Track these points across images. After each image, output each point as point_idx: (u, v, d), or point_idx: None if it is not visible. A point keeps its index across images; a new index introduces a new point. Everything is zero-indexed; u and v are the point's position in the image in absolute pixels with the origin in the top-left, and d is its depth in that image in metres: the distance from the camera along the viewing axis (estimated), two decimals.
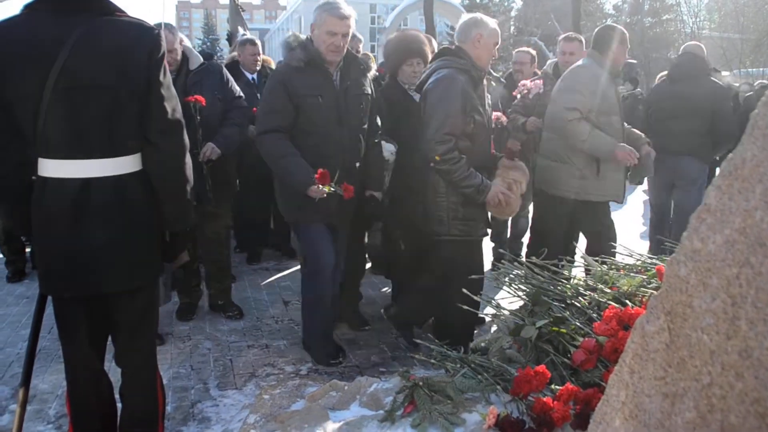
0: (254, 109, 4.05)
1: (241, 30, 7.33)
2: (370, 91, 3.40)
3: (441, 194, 3.14)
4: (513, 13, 37.75)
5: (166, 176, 2.06)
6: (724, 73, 9.60)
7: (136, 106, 1.94)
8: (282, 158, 3.12)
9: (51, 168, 1.92)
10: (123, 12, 1.99)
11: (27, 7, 1.90)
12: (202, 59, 3.83)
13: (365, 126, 3.38)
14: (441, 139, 3.02)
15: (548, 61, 4.97)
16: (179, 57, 3.68)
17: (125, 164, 1.97)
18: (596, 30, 3.96)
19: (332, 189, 3.06)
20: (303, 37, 3.26)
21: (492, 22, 3.24)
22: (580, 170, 3.76)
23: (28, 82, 1.83)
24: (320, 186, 3.04)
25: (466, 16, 3.30)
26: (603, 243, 3.59)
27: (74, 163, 1.91)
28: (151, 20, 2.17)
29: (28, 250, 5.14)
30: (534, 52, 5.14)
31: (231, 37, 7.77)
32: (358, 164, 3.34)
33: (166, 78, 2.00)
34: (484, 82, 3.31)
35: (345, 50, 3.21)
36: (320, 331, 3.51)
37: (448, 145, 3.02)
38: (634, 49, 28.42)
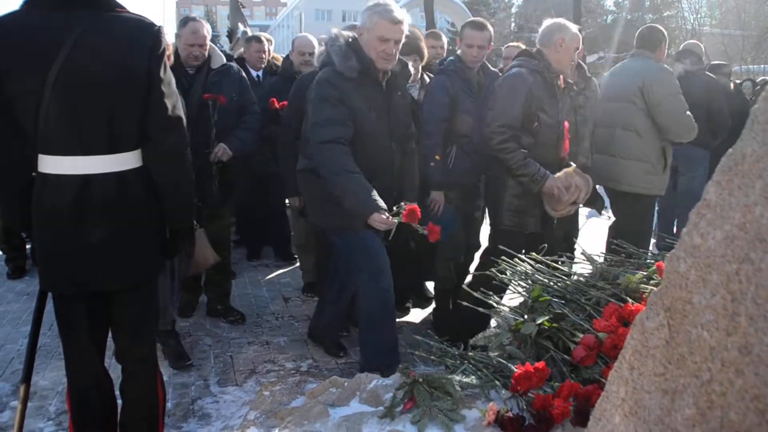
0: (278, 105, 4.11)
1: (241, 26, 7.33)
2: (410, 99, 3.33)
3: (501, 185, 3.41)
4: (513, 10, 37.70)
5: (167, 173, 2.05)
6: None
7: (136, 102, 1.94)
8: (343, 174, 2.79)
9: (51, 164, 1.91)
10: (123, 8, 1.98)
11: (27, 3, 1.90)
12: (224, 59, 3.83)
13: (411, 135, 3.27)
14: (496, 130, 3.25)
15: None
16: (207, 53, 3.65)
17: (126, 161, 1.97)
18: (644, 30, 4.09)
19: (399, 220, 2.71)
20: (348, 35, 2.96)
21: (573, 27, 3.43)
22: (653, 165, 3.90)
23: (28, 78, 1.83)
24: (390, 217, 2.71)
25: (549, 21, 3.49)
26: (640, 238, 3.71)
27: (74, 160, 1.91)
28: (152, 16, 2.16)
29: (28, 246, 5.15)
30: (523, 47, 5.10)
31: (231, 34, 7.77)
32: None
33: (167, 74, 2.00)
34: (560, 85, 3.41)
35: (396, 58, 2.95)
36: (391, 339, 3.10)
37: (503, 136, 3.24)
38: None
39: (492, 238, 3.55)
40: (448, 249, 3.69)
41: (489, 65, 3.83)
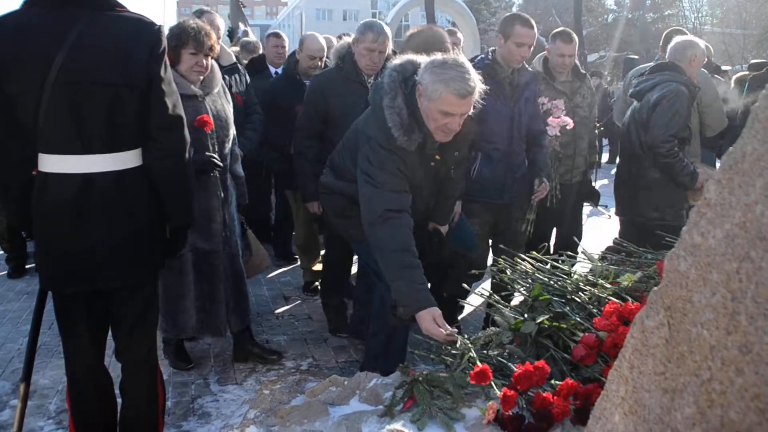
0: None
1: (242, 26, 7.33)
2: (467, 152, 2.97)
3: (661, 186, 3.79)
4: (514, 9, 37.68)
5: (167, 171, 2.06)
6: (724, 67, 9.59)
7: (136, 101, 1.94)
8: (402, 265, 2.41)
9: (51, 163, 1.91)
10: (123, 7, 1.98)
11: (27, 2, 1.90)
12: (234, 58, 3.84)
13: None
14: (666, 140, 3.65)
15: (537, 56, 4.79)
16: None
17: (126, 159, 1.97)
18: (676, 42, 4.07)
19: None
20: (403, 75, 2.49)
21: (701, 43, 3.88)
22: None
23: (28, 77, 1.83)
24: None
25: (680, 38, 3.91)
26: None
27: (75, 159, 1.91)
28: (152, 15, 2.17)
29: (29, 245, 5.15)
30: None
31: (232, 33, 7.77)
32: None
33: (167, 73, 2.00)
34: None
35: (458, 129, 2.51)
36: (399, 353, 2.89)
37: (671, 143, 3.65)
38: (635, 45, 28.33)
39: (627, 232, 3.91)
40: (463, 268, 3.17)
41: (527, 66, 3.60)
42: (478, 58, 3.53)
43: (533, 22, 3.44)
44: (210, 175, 3.01)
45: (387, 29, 3.43)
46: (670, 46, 3.97)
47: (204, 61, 2.91)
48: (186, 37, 2.85)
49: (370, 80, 3.45)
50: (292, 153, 3.78)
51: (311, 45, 4.27)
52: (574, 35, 3.96)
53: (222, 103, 3.12)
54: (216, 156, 2.99)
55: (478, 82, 2.38)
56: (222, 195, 3.11)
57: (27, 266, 5.08)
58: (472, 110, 2.46)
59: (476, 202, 3.39)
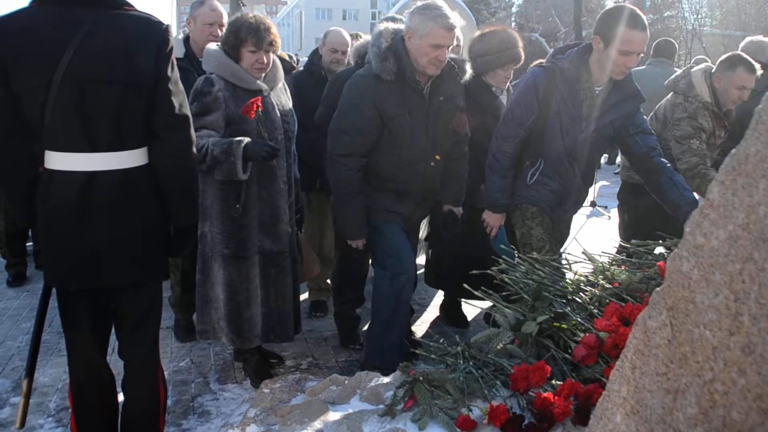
0: None
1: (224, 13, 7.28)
2: (462, 103, 3.09)
3: None
4: (514, 9, 37.70)
5: (173, 171, 2.06)
6: None
7: (143, 100, 1.94)
8: (349, 196, 2.93)
9: (57, 161, 1.92)
10: (131, 6, 1.99)
11: (34, 0, 1.90)
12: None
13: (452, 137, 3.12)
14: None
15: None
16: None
17: (132, 158, 1.98)
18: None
19: None
20: (392, 33, 2.87)
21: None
22: None
23: (35, 75, 1.83)
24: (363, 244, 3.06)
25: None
26: None
27: (81, 157, 1.91)
28: (158, 15, 2.16)
29: (29, 244, 5.12)
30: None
31: None
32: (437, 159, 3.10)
33: (174, 73, 2.01)
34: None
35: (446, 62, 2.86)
36: (397, 341, 3.10)
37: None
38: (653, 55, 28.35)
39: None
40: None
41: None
42: (559, 56, 2.97)
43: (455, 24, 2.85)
44: (277, 171, 2.88)
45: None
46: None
47: (264, 58, 2.80)
48: (245, 34, 2.74)
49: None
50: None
51: (332, 38, 4.18)
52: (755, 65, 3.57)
53: (286, 98, 3.04)
54: (271, 142, 2.77)
55: (458, 18, 2.83)
56: (290, 196, 3.01)
57: (27, 274, 4.92)
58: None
59: (536, 218, 3.05)
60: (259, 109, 2.67)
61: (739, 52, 3.82)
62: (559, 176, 2.99)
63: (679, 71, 4.02)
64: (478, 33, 3.56)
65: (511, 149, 2.96)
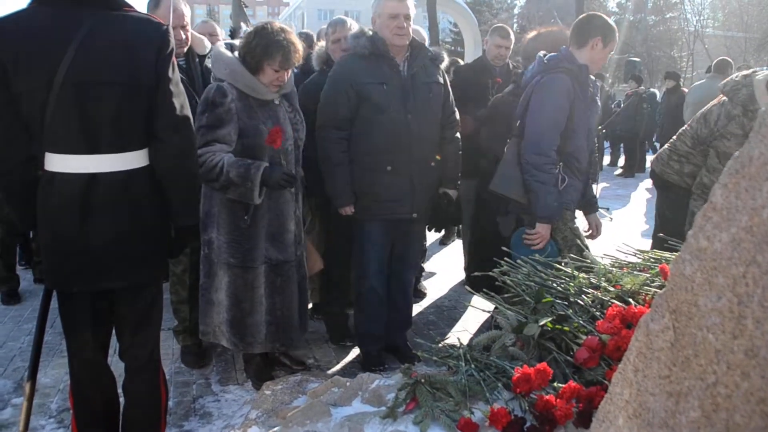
0: None
1: (243, 26, 7.32)
2: (442, 81, 3.28)
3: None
4: (516, 11, 37.70)
5: (174, 172, 2.05)
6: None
7: (144, 101, 1.94)
8: (334, 166, 3.13)
9: (58, 163, 1.91)
10: (131, 7, 1.98)
11: (35, 1, 1.90)
12: (207, 47, 3.51)
13: (439, 117, 3.26)
14: None
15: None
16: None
17: (132, 160, 1.97)
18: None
19: None
20: (368, 31, 3.19)
21: None
22: None
23: (35, 77, 1.83)
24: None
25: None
26: None
27: (81, 158, 1.91)
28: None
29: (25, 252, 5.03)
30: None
31: (233, 33, 7.77)
32: (436, 159, 3.26)
33: (175, 74, 2.00)
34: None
35: (411, 35, 3.13)
36: (372, 332, 3.38)
37: None
38: (637, 47, 28.32)
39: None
40: None
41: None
42: (559, 57, 3.04)
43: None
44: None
45: (344, 18, 3.56)
46: None
47: (285, 76, 2.77)
48: (275, 52, 2.67)
49: None
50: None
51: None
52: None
53: (296, 102, 3.02)
54: (290, 171, 2.82)
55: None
56: (297, 201, 3.00)
57: (20, 292, 4.57)
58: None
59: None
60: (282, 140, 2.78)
61: None
62: (581, 174, 3.13)
63: (737, 76, 3.63)
64: (533, 33, 3.54)
65: (554, 156, 2.96)
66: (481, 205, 3.94)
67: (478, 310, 3.94)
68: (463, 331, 3.91)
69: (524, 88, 3.15)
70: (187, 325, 3.36)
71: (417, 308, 4.31)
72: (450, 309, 4.39)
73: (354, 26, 3.47)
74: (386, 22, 3.05)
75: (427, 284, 4.82)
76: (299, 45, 2.76)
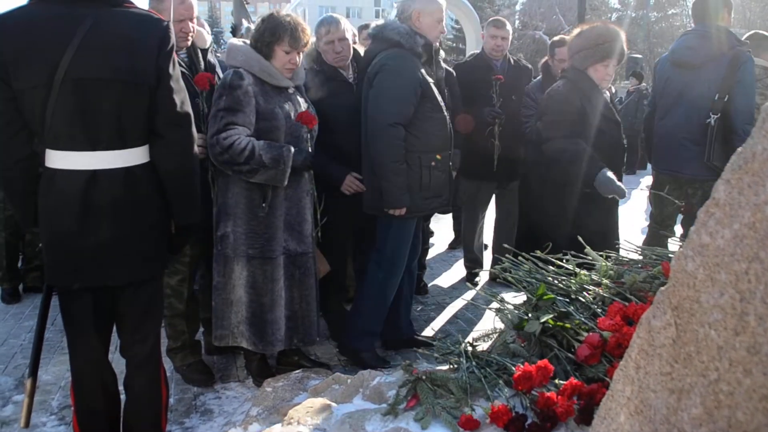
0: None
1: (245, 23, 7.32)
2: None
3: None
4: (518, 7, 37.59)
5: (174, 169, 2.05)
6: None
7: (144, 98, 1.93)
8: (400, 165, 3.05)
9: (58, 159, 1.91)
10: (131, 3, 1.98)
11: None
12: (209, 41, 3.41)
13: None
14: None
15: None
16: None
17: (133, 156, 1.97)
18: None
19: None
20: (395, 20, 3.27)
21: None
22: None
23: (36, 73, 1.83)
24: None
25: None
26: None
27: (82, 155, 1.90)
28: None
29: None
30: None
31: (235, 30, 7.76)
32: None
33: (176, 70, 2.00)
34: None
35: None
36: (371, 334, 3.36)
37: None
38: (639, 44, 28.27)
39: None
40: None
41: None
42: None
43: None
44: (302, 173, 2.91)
45: (338, 17, 3.43)
46: None
47: (297, 58, 2.82)
48: (282, 33, 2.74)
49: (349, 75, 3.45)
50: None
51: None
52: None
53: (305, 97, 3.04)
54: (311, 153, 2.90)
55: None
56: (313, 192, 3.01)
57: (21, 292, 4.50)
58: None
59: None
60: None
61: None
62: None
63: None
64: (578, 29, 3.49)
65: None
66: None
67: (480, 306, 3.95)
68: (464, 329, 3.91)
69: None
70: (186, 339, 3.16)
71: (418, 305, 4.31)
72: (451, 306, 4.38)
73: (348, 27, 3.40)
74: (434, 24, 3.16)
75: (428, 281, 4.81)
76: (306, 26, 2.82)
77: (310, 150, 2.90)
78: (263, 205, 2.79)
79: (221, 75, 3.13)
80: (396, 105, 3.02)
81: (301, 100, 2.95)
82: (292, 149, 2.74)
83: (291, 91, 2.89)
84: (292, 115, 2.84)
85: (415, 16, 3.15)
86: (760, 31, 4.35)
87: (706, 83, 3.48)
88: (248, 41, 2.92)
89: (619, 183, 3.13)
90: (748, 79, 3.36)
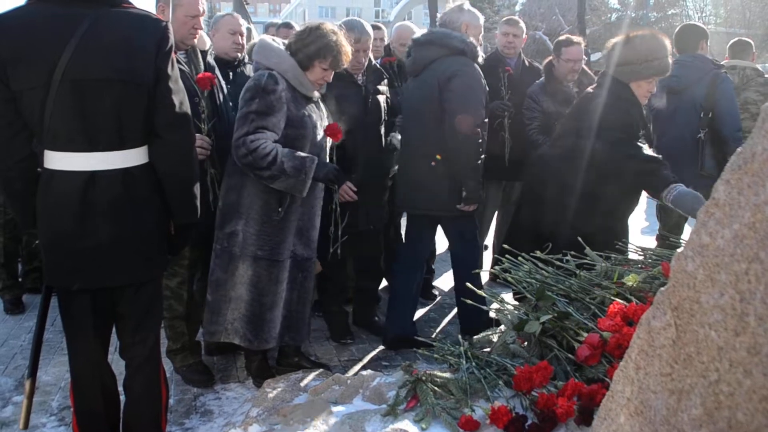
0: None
1: (245, 23, 7.30)
2: None
3: None
4: (517, 8, 37.60)
5: (173, 169, 2.05)
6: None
7: (143, 98, 1.93)
8: (480, 162, 3.35)
9: (57, 160, 1.91)
10: (130, 3, 1.98)
11: None
12: (209, 43, 3.31)
13: None
14: None
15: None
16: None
17: (132, 157, 1.97)
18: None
19: None
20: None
21: None
22: None
23: (35, 74, 1.82)
24: None
25: None
26: None
27: (81, 156, 1.90)
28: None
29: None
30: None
31: None
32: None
33: (174, 71, 2.00)
34: None
35: None
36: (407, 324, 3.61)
37: None
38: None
39: None
40: None
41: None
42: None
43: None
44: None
45: (368, 27, 3.41)
46: None
47: (330, 76, 2.85)
48: (327, 54, 2.75)
49: (358, 77, 3.46)
50: None
51: (404, 33, 4.18)
52: None
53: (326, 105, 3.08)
54: (338, 168, 2.91)
55: None
56: (336, 207, 3.04)
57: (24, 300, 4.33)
58: None
59: None
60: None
61: None
62: None
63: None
64: (623, 36, 3.16)
65: None
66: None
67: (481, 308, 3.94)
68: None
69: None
70: (186, 341, 3.14)
71: (418, 306, 4.30)
72: (452, 307, 4.38)
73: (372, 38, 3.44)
74: (478, 37, 3.43)
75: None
76: (349, 49, 2.83)
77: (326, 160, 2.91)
78: (279, 210, 2.79)
79: (220, 78, 3.13)
80: (480, 109, 3.27)
81: (324, 110, 3.00)
82: (316, 160, 2.74)
83: (315, 100, 2.92)
84: (319, 125, 2.87)
85: (464, 28, 3.36)
86: (743, 38, 4.74)
87: (691, 104, 3.89)
88: (277, 39, 2.93)
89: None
90: (728, 94, 3.80)
